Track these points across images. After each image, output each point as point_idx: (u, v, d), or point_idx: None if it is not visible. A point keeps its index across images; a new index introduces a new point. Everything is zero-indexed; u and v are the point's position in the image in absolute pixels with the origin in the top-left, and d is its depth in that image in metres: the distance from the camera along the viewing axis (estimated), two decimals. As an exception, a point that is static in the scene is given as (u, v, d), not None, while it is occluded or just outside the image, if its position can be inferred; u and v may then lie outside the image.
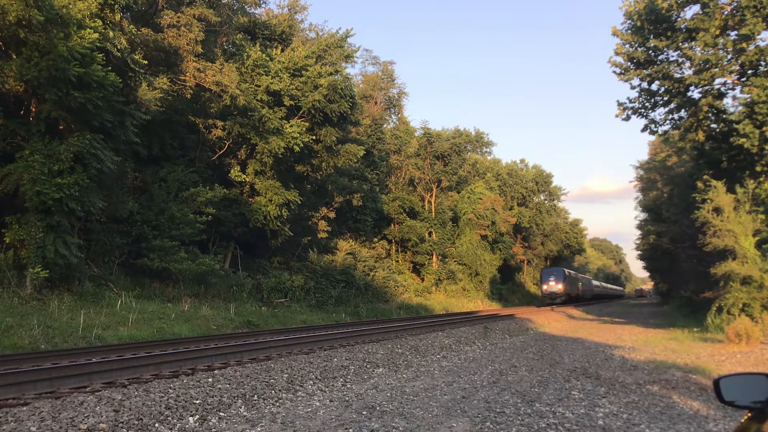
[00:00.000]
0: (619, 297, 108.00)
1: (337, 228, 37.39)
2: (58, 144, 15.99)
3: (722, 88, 20.71)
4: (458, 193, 55.13)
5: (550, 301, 49.18)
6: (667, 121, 22.92)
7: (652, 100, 22.31)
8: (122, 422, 6.17)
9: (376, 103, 51.20)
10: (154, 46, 21.34)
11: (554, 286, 49.18)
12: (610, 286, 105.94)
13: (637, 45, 21.62)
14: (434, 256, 47.54)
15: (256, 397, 7.96)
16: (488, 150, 68.88)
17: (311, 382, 9.32)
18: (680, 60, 20.93)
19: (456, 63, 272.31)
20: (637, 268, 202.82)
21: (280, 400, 8.03)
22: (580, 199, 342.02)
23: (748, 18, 18.00)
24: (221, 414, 7.06)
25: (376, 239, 43.47)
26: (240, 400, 7.70)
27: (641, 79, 21.91)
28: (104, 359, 9.81)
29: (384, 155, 44.98)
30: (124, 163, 19.86)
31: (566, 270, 54.03)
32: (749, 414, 2.52)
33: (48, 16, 14.86)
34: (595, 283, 79.96)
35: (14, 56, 15.94)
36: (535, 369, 11.23)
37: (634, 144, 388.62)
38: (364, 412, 7.19)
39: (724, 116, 20.84)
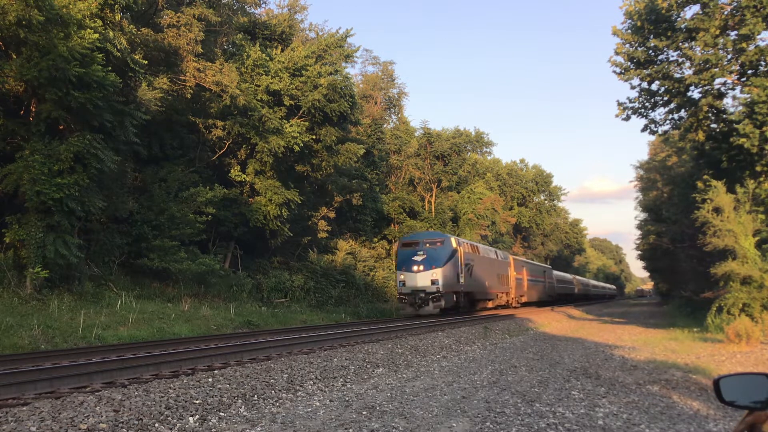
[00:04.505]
0: (610, 298, 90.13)
1: (337, 228, 37.39)
2: (58, 144, 16.00)
3: (722, 88, 20.70)
4: (458, 193, 55.12)
5: (413, 309, 24.24)
6: (667, 121, 22.90)
7: (652, 100, 22.29)
8: (122, 422, 6.16)
9: (376, 103, 51.17)
10: (154, 46, 21.35)
11: (422, 276, 24.22)
12: (593, 282, 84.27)
13: (637, 45, 21.61)
14: (434, 256, 47.45)
15: (256, 397, 7.96)
16: (488, 150, 68.84)
17: (311, 382, 9.31)
18: (680, 60, 20.92)
19: (456, 63, 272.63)
20: (637, 268, 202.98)
21: (280, 400, 8.03)
22: (580, 199, 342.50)
23: (748, 18, 17.99)
24: (221, 414, 7.06)
25: (376, 239, 43.46)
26: (240, 400, 7.70)
27: (641, 79, 21.89)
28: (104, 359, 9.81)
29: (384, 155, 44.98)
30: (124, 163, 19.88)
31: (457, 239, 27.34)
32: (749, 414, 2.52)
33: (48, 16, 14.86)
34: (560, 275, 56.86)
35: (14, 56, 15.95)
36: (535, 369, 11.23)
37: (634, 144, 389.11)
38: (364, 412, 7.18)
39: (724, 116, 20.82)
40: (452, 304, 25.32)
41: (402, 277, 25.01)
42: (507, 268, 35.46)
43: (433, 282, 24.06)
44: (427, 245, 25.31)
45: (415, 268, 24.57)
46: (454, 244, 25.80)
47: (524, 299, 39.12)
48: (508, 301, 35.45)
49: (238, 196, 25.97)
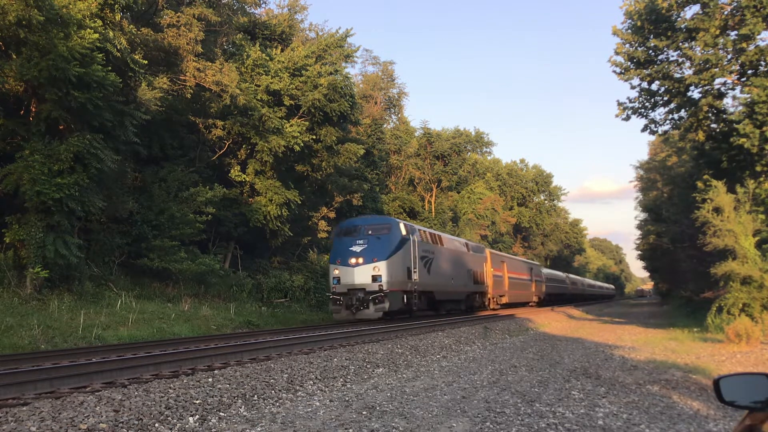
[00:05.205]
0: (608, 298, 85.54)
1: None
2: (58, 144, 16.01)
3: (722, 88, 20.70)
4: (458, 193, 55.18)
5: (349, 312, 19.73)
6: (667, 121, 22.89)
7: (652, 100, 22.29)
8: (122, 422, 6.16)
9: (376, 103, 51.18)
10: (154, 46, 21.36)
11: (361, 271, 19.65)
12: (589, 281, 79.36)
13: (637, 44, 21.61)
14: (434, 256, 47.42)
15: (256, 397, 7.96)
16: (488, 150, 68.99)
17: (311, 382, 9.31)
18: (680, 60, 20.92)
19: (456, 63, 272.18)
20: (637, 268, 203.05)
21: (280, 400, 8.03)
22: (580, 199, 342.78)
23: (748, 18, 17.99)
24: (221, 414, 7.06)
25: (376, 239, 43.45)
26: (240, 400, 7.70)
27: (641, 79, 21.89)
28: (104, 359, 9.81)
29: (384, 155, 45.00)
30: (124, 163, 19.89)
31: (409, 225, 22.65)
32: (749, 414, 2.52)
33: (48, 16, 14.86)
34: (550, 272, 52.46)
35: (14, 56, 15.95)
36: (535, 369, 11.23)
37: (634, 144, 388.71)
38: (364, 412, 7.18)
39: (724, 116, 20.83)
40: (401, 306, 20.41)
41: (336, 272, 20.09)
42: (482, 264, 30.27)
43: (375, 278, 19.40)
44: (369, 232, 20.46)
45: (352, 260, 19.79)
46: (404, 231, 21.06)
47: (505, 300, 34.15)
48: (484, 302, 30.56)
49: (238, 196, 25.98)
